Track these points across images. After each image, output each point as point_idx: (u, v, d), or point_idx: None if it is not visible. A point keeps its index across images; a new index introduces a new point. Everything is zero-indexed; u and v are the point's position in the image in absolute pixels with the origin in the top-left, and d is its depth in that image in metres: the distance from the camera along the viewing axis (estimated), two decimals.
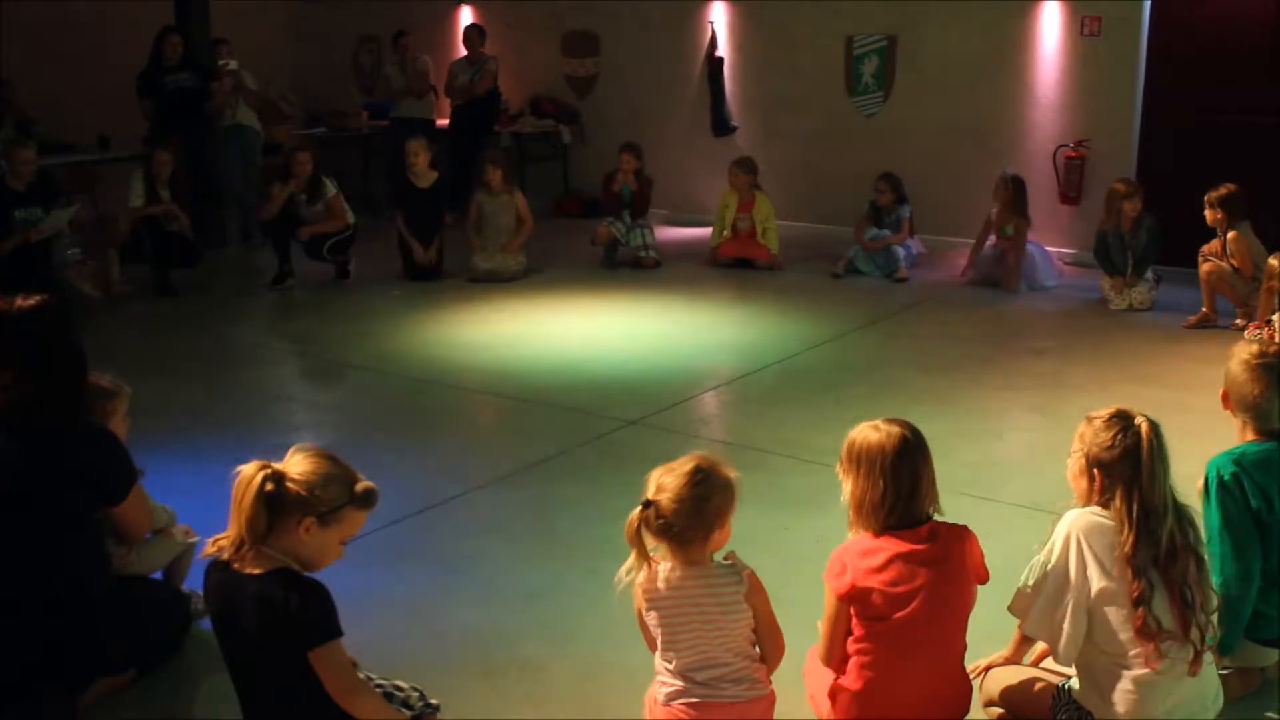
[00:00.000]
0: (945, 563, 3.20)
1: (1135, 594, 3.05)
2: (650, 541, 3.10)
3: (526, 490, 5.42)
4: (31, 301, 3.66)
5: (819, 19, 10.94)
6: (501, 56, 12.26)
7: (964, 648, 3.31)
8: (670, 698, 3.16)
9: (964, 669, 3.34)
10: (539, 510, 5.20)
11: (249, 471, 2.95)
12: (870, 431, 3.24)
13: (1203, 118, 9.35)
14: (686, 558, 3.11)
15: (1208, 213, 7.79)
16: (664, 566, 3.12)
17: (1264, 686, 3.69)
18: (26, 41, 11.45)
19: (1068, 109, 9.94)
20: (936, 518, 3.29)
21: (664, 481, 3.08)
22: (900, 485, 3.17)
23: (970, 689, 3.36)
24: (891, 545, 3.18)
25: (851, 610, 3.21)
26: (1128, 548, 3.07)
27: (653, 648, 3.22)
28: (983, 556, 3.30)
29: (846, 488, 3.27)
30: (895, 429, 3.23)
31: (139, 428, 5.92)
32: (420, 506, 5.22)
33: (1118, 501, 3.11)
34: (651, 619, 3.16)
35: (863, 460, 3.21)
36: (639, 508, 3.07)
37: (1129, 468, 3.09)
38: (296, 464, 3.01)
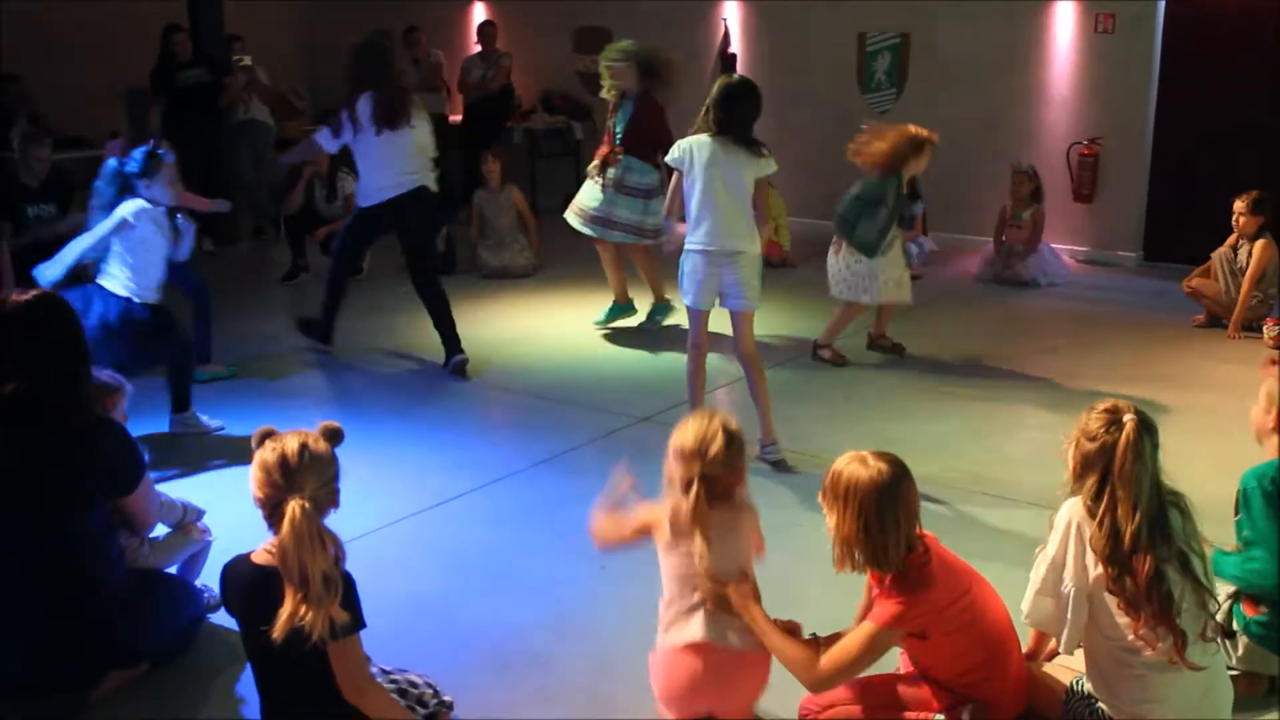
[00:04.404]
0: (950, 563, 3.26)
1: (1107, 581, 3.07)
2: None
3: (538, 486, 5.43)
4: (28, 297, 3.67)
5: (832, 16, 10.92)
6: (514, 52, 12.28)
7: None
8: (674, 642, 3.24)
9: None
10: (551, 506, 5.20)
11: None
12: (859, 467, 3.15)
13: (1218, 115, 9.31)
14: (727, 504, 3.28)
15: (1245, 218, 7.67)
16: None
17: (1271, 692, 3.68)
18: (40, 37, 11.49)
19: (1081, 106, 9.92)
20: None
21: (710, 451, 3.19)
22: (898, 523, 3.12)
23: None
24: (932, 572, 3.18)
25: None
26: (1096, 537, 3.09)
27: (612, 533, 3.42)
28: None
29: (831, 521, 3.20)
30: (885, 465, 3.15)
31: (151, 424, 5.97)
32: (433, 502, 5.23)
33: (1091, 491, 3.13)
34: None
35: (850, 499, 3.12)
36: (696, 486, 3.17)
37: (1105, 461, 3.10)
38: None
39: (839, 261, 7.19)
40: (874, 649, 3.19)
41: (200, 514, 4.27)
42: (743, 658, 3.25)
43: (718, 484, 3.24)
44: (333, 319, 7.49)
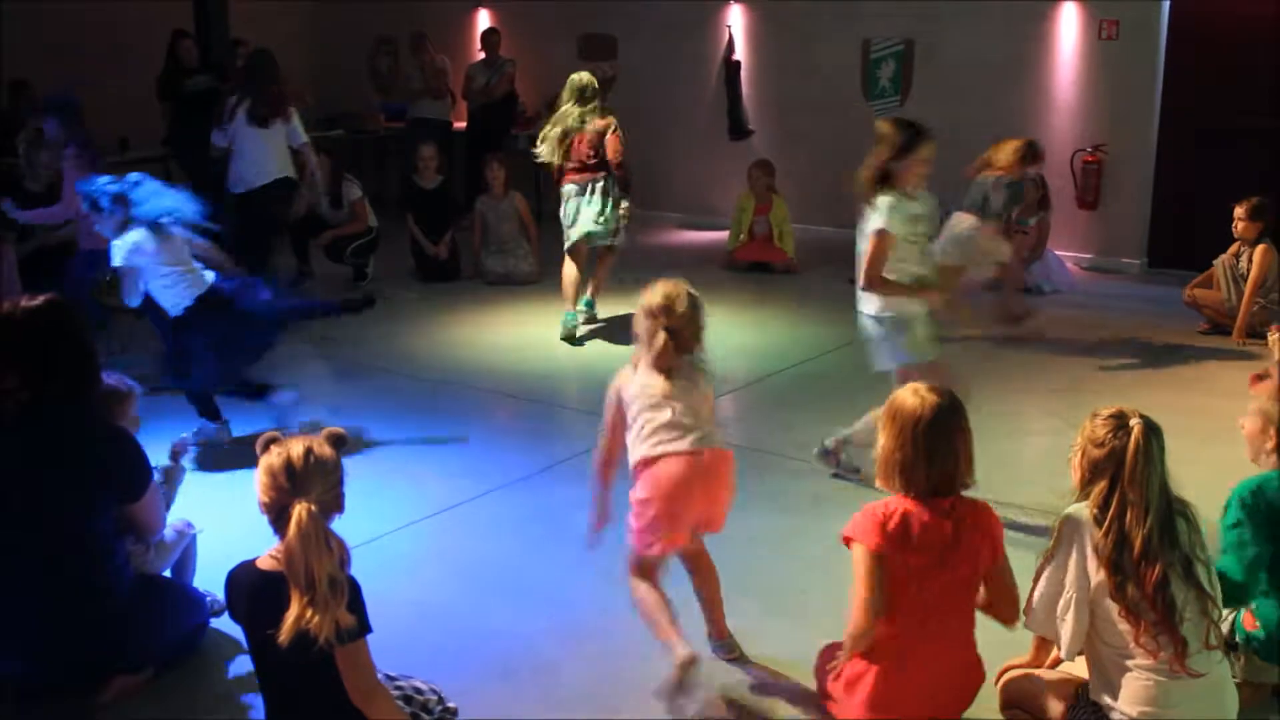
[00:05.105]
0: (962, 535, 3.26)
1: (1110, 589, 3.07)
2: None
3: (543, 492, 5.43)
4: (36, 303, 3.67)
5: (836, 22, 10.93)
6: (518, 59, 12.29)
7: (973, 624, 3.38)
8: (654, 452, 3.69)
9: (975, 651, 3.39)
10: (555, 512, 5.21)
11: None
12: (910, 396, 3.33)
13: (1222, 122, 9.31)
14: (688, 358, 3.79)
15: (1242, 224, 7.68)
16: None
17: (1274, 697, 3.68)
18: (46, 43, 11.52)
19: (1085, 113, 9.92)
20: (969, 493, 3.36)
21: (677, 308, 3.71)
22: (932, 454, 3.26)
23: (981, 673, 3.39)
24: (918, 506, 3.26)
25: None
26: (1102, 544, 3.09)
27: (614, 446, 3.86)
28: (996, 526, 3.36)
29: (879, 442, 3.37)
30: (933, 397, 3.30)
31: (153, 429, 5.97)
32: (437, 508, 5.24)
33: (1099, 498, 3.13)
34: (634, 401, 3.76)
35: (896, 421, 3.31)
36: (663, 336, 3.69)
37: (1114, 467, 3.11)
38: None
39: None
40: (861, 572, 3.27)
41: (181, 472, 4.28)
42: (719, 455, 3.79)
43: (681, 337, 3.73)
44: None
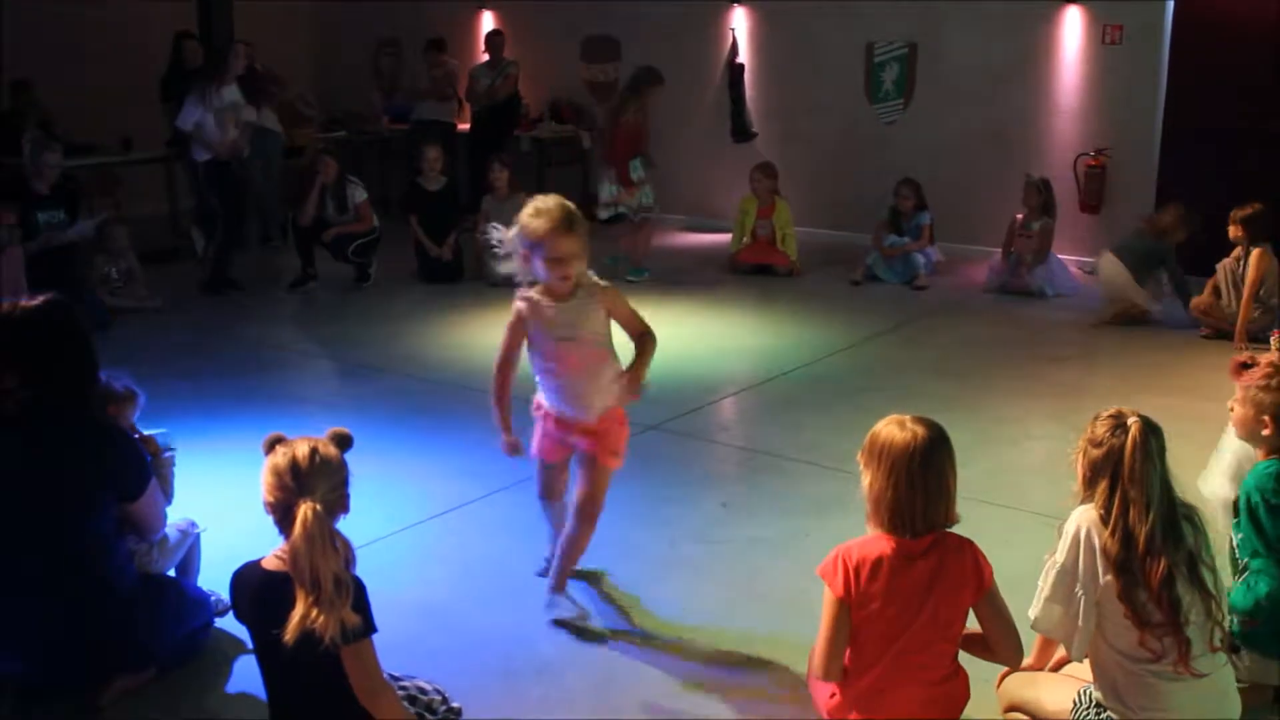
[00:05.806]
0: (940, 578, 3.20)
1: (1116, 589, 3.08)
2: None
3: None
4: (36, 303, 3.68)
5: (840, 26, 10.95)
6: (522, 61, 12.30)
7: (955, 654, 3.31)
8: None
9: (958, 677, 3.33)
10: None
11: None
12: (897, 429, 3.19)
13: (1226, 126, 9.32)
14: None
15: (1232, 228, 7.74)
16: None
17: (1276, 700, 3.68)
18: (50, 43, 11.54)
19: (1089, 117, 9.93)
20: (955, 528, 3.28)
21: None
22: (928, 489, 3.15)
23: (964, 696, 3.35)
24: (893, 551, 3.19)
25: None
26: (1110, 543, 3.09)
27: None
28: (983, 567, 3.25)
29: (865, 480, 3.24)
30: (921, 429, 3.18)
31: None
32: (441, 509, 5.24)
33: (1103, 498, 3.13)
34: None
35: (887, 456, 3.17)
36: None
37: (1113, 465, 3.12)
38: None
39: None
40: (824, 615, 3.24)
41: (168, 463, 4.25)
42: None
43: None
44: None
